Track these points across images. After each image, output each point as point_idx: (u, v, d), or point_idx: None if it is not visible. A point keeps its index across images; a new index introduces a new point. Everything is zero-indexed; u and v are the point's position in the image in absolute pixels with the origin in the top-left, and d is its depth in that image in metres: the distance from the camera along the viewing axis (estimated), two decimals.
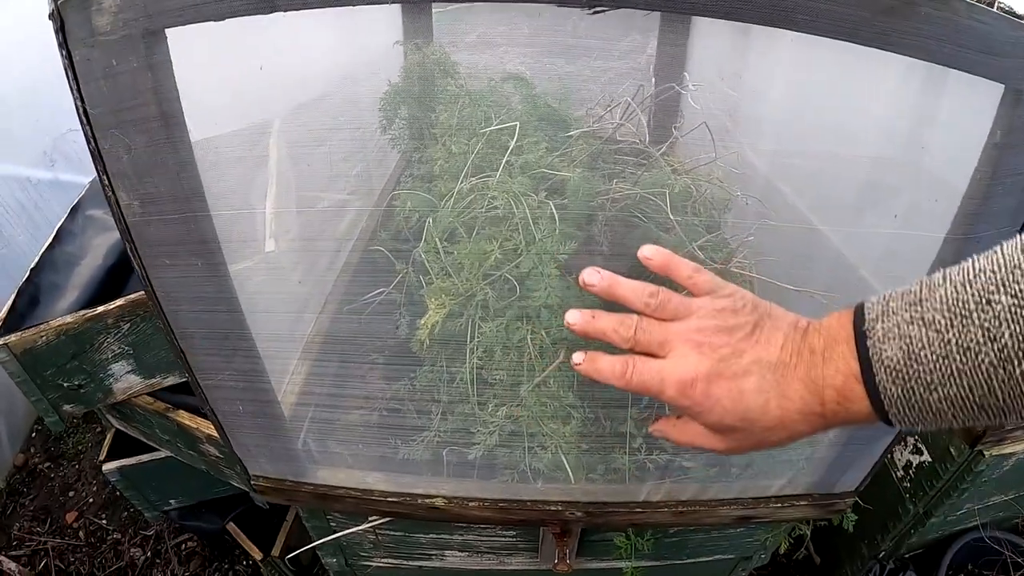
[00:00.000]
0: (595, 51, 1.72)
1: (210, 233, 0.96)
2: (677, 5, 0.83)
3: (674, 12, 0.81)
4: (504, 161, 1.48)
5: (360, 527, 1.55)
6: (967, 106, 1.06)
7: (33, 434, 3.64)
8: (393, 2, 0.77)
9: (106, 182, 0.91)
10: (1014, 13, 0.87)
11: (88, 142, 0.88)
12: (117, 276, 2.15)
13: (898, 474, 2.12)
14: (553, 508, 1.33)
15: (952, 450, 1.88)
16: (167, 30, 0.82)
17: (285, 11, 0.77)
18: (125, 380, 1.96)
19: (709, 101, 1.84)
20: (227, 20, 0.80)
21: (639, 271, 1.49)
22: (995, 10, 0.86)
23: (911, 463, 2.06)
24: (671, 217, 1.39)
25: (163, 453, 2.34)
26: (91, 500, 3.34)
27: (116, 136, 0.87)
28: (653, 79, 1.89)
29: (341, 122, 1.92)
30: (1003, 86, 0.92)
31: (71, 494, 3.38)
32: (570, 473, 1.26)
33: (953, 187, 1.04)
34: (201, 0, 0.78)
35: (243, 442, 1.30)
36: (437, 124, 1.72)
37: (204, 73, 0.94)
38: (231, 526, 2.67)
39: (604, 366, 0.83)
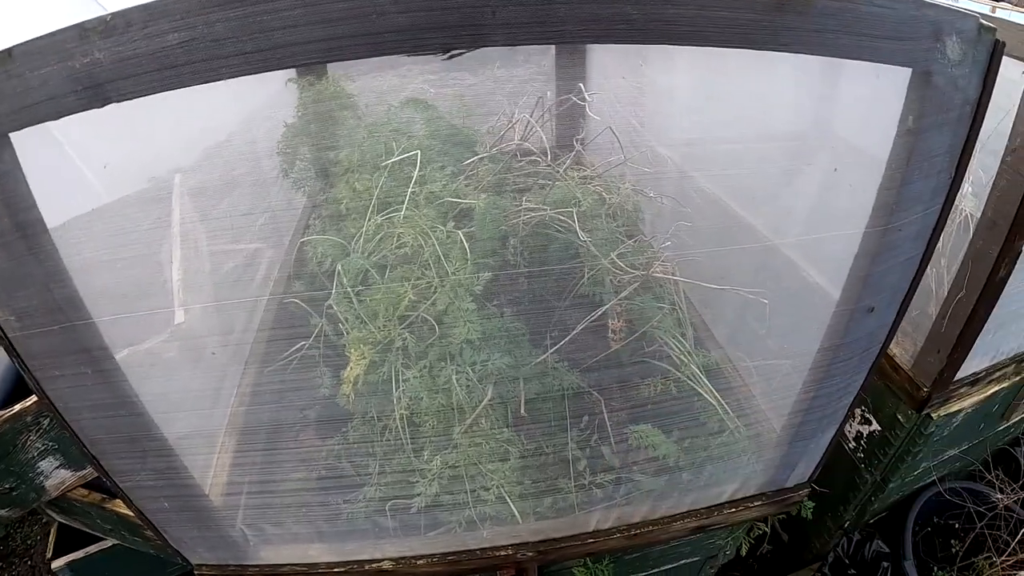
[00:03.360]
0: (497, 59, 1.68)
1: (93, 340, 0.89)
2: (544, 37, 0.78)
3: (539, 44, 0.76)
4: (408, 193, 1.43)
5: None
6: (875, 90, 1.03)
7: None
8: (230, 77, 0.72)
9: None
10: None
11: None
12: None
13: (850, 446, 2.12)
14: (504, 553, 1.29)
15: (900, 417, 1.88)
16: (11, 135, 0.76)
17: (118, 102, 0.71)
18: (56, 476, 1.88)
19: (614, 101, 1.82)
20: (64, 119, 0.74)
21: (561, 284, 1.46)
22: None
23: (861, 434, 2.06)
24: (580, 236, 1.36)
25: (111, 540, 2.25)
26: None
27: None
28: (555, 87, 1.86)
29: (242, 172, 1.86)
30: (910, 70, 0.90)
31: None
32: (516, 514, 1.22)
33: (870, 173, 1.02)
34: (32, 102, 0.72)
35: (177, 535, 1.23)
36: (338, 161, 1.67)
37: (97, 133, 0.87)
38: None
39: None
